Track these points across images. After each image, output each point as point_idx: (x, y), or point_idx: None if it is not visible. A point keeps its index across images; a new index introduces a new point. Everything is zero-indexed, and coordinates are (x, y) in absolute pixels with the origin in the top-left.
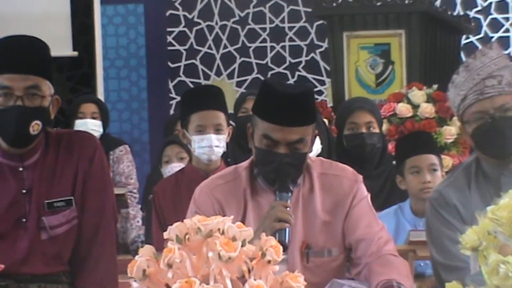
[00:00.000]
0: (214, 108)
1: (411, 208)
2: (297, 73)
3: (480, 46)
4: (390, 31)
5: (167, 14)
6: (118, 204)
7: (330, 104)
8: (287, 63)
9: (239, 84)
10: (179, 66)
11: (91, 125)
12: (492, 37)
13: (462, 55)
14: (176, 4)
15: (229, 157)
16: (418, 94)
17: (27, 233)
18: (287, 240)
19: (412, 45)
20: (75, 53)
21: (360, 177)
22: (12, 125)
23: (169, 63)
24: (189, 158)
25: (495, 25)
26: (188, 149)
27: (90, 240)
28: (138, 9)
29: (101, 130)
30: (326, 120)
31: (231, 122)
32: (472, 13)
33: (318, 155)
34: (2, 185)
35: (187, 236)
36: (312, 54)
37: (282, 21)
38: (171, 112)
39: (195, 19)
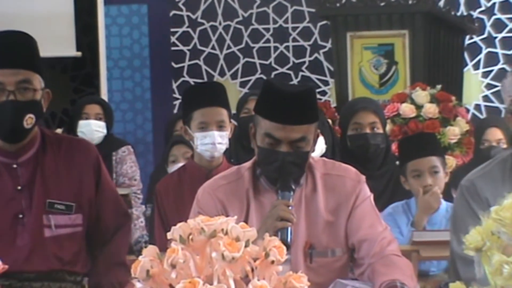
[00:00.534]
0: (216, 104)
1: (417, 206)
2: (301, 73)
3: (483, 47)
4: (394, 31)
5: (171, 14)
6: None
7: (333, 105)
8: (291, 64)
9: (242, 85)
10: (183, 67)
11: (94, 126)
12: (496, 37)
13: (466, 55)
14: (180, 4)
15: (232, 157)
16: (421, 95)
17: (26, 229)
18: (289, 239)
19: (416, 46)
20: (79, 54)
21: (363, 177)
22: (6, 120)
23: (173, 64)
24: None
25: (499, 25)
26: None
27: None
28: (142, 10)
29: (104, 131)
30: (329, 120)
31: (233, 121)
32: (475, 14)
33: (322, 155)
34: None
35: (190, 237)
36: (316, 55)
37: (286, 21)
38: (175, 112)
39: (199, 20)
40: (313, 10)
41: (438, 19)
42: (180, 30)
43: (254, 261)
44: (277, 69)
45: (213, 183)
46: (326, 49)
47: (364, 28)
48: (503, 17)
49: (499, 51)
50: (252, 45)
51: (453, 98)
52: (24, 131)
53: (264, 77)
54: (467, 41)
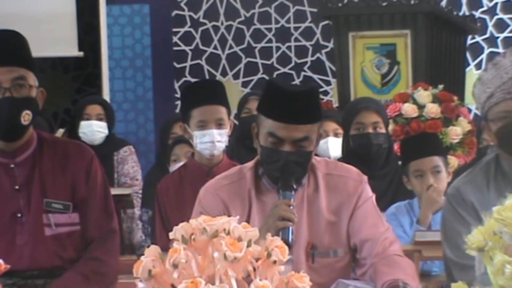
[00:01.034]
0: (215, 102)
1: (419, 206)
2: (303, 73)
3: (485, 47)
4: (396, 31)
5: (173, 14)
6: (123, 205)
7: (335, 105)
8: (293, 63)
9: (244, 85)
10: (185, 67)
11: (96, 127)
12: (498, 37)
13: (468, 55)
14: (182, 4)
15: (234, 157)
16: (423, 94)
17: (25, 228)
18: (290, 239)
19: (418, 46)
20: (81, 53)
21: (365, 177)
22: (3, 117)
23: (175, 64)
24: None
25: (501, 25)
26: None
27: (96, 242)
28: (144, 9)
29: (106, 131)
30: None
31: (234, 120)
32: (477, 14)
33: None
34: None
35: (192, 237)
36: (318, 55)
37: (288, 21)
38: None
39: (201, 20)
40: (315, 10)
41: (440, 19)
42: (182, 30)
43: (256, 261)
44: (279, 69)
45: (215, 183)
46: (328, 49)
47: (366, 28)
48: (505, 17)
49: (501, 51)
50: (254, 45)
51: (455, 98)
52: (22, 127)
53: (266, 77)
54: (469, 41)
